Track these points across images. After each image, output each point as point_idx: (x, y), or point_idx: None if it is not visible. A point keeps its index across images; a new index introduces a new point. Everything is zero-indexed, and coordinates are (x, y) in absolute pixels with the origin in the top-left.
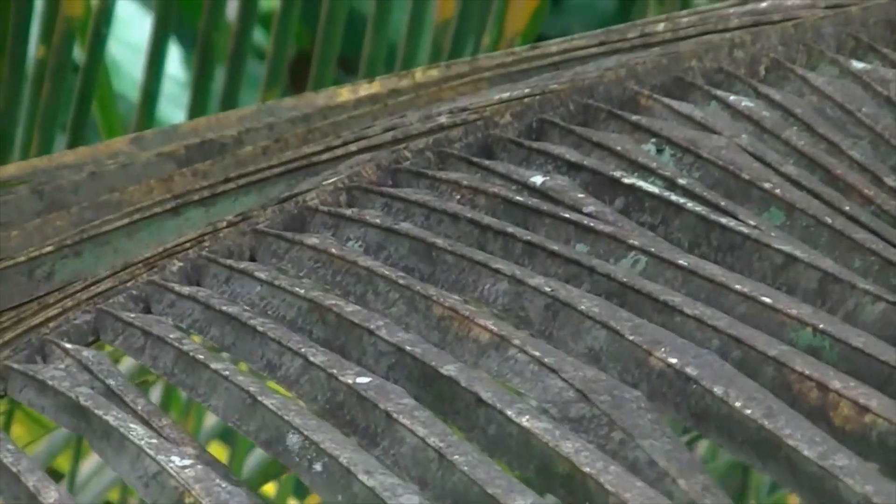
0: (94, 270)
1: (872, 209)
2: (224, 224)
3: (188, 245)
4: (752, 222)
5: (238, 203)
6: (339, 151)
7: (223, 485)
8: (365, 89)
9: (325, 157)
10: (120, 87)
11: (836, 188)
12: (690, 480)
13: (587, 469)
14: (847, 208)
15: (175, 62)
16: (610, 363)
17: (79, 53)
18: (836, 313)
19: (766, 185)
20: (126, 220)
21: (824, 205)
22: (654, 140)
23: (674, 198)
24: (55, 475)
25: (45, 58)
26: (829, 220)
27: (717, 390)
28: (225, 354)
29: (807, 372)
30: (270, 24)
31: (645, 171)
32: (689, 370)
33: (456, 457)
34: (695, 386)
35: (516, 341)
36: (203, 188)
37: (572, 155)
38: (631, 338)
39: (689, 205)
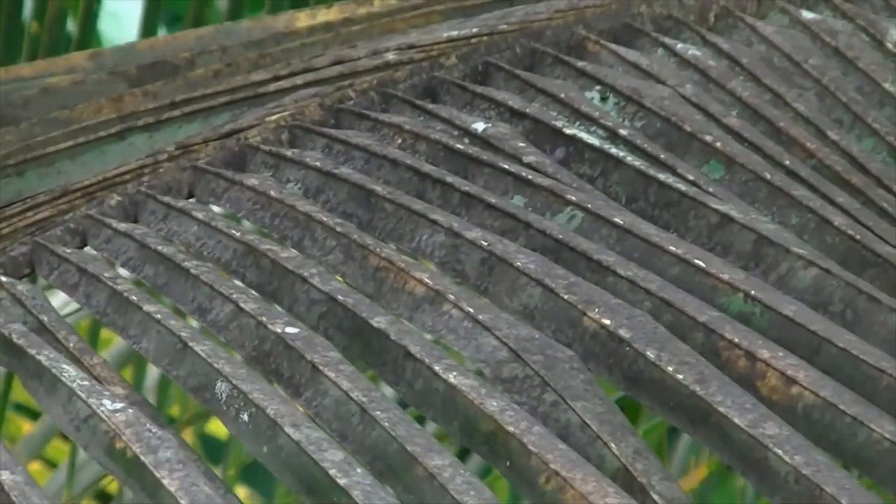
0: (37, 191)
1: (814, 163)
2: (165, 157)
3: (128, 177)
4: (690, 177)
5: (182, 131)
6: (286, 84)
7: (153, 430)
8: (322, 15)
9: (271, 87)
10: None
11: (779, 141)
12: (622, 444)
13: (511, 428)
14: (787, 162)
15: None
16: (544, 322)
17: (71, 27)
18: (768, 276)
19: (707, 138)
20: (71, 142)
21: (765, 159)
22: (598, 88)
23: (613, 151)
24: None
25: (39, 34)
26: (768, 176)
27: (650, 354)
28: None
29: (736, 339)
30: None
31: (587, 120)
32: (623, 332)
33: (378, 412)
34: (627, 348)
35: (451, 296)
36: (148, 112)
37: (515, 102)
38: (566, 297)
39: (629, 159)
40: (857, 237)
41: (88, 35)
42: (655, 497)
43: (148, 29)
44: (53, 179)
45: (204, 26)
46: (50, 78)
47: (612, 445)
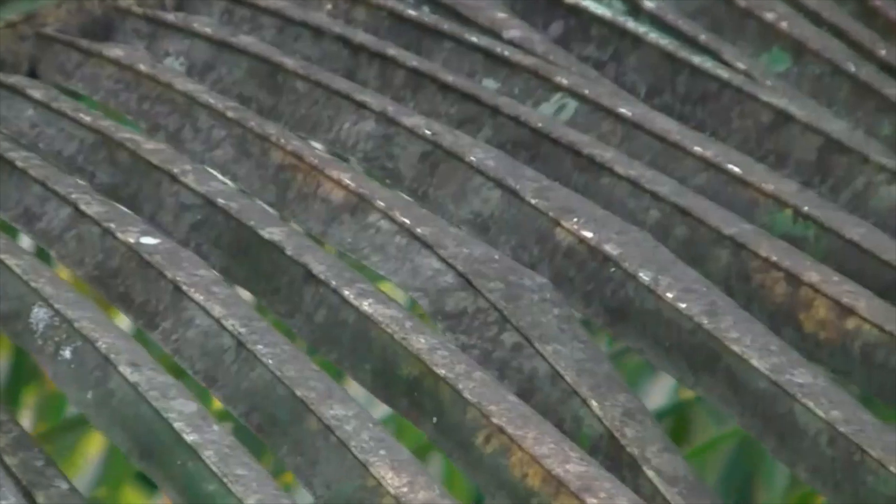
0: None
1: None
2: (2, 24)
3: None
4: (740, 65)
5: (34, 6)
6: None
7: None
8: None
9: None
10: None
11: (872, 26)
12: (607, 402)
13: (441, 371)
14: (883, 53)
15: None
16: (502, 235)
17: None
18: (839, 194)
19: (769, 17)
20: None
21: (849, 46)
22: None
23: (631, 25)
24: None
25: None
26: (853, 69)
27: (644, 276)
28: None
29: (774, 258)
30: None
31: None
32: (609, 248)
33: (259, 347)
34: (614, 269)
35: (380, 203)
36: None
37: None
38: (533, 202)
39: (652, 36)
40: None
41: None
42: (650, 473)
43: None
44: None
45: None
46: None
47: (594, 403)
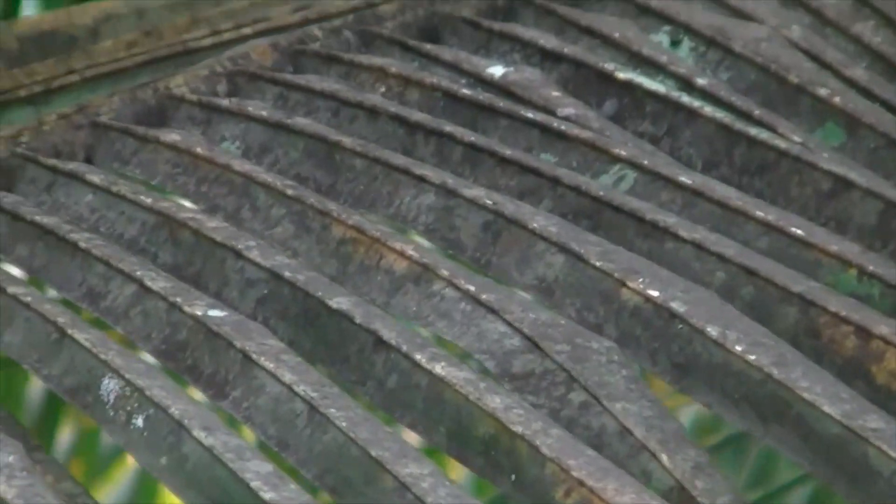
0: None
1: None
2: (54, 117)
3: None
4: (796, 138)
5: (83, 100)
6: (229, 35)
7: None
8: None
9: (207, 42)
10: None
11: None
12: (677, 456)
13: (518, 429)
14: None
15: None
16: (567, 298)
17: None
18: None
19: (822, 92)
20: None
21: None
22: (668, 28)
23: (685, 99)
24: None
25: None
26: None
27: (712, 331)
28: None
29: (843, 313)
30: None
31: (651, 66)
32: (675, 305)
33: (332, 410)
34: (681, 326)
35: (444, 272)
36: (34, 83)
37: (549, 41)
38: (598, 264)
39: (707, 109)
40: None
41: None
42: None
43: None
44: None
45: None
46: None
47: (664, 457)
